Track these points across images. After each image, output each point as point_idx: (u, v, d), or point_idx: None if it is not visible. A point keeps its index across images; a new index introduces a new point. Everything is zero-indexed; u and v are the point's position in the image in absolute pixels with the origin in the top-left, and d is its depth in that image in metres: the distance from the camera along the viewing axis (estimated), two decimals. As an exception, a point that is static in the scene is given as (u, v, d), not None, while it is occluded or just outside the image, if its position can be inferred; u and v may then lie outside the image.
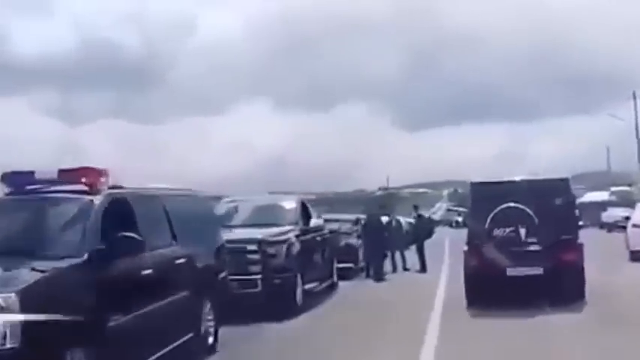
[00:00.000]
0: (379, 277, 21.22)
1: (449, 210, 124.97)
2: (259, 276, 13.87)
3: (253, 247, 14.00)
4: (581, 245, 14.46)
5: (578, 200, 59.83)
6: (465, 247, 14.62)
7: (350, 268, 22.02)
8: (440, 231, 64.79)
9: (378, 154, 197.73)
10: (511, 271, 13.99)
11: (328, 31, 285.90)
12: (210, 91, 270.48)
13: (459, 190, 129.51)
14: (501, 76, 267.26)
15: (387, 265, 23.33)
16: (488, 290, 13.97)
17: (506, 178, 14.89)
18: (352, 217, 25.73)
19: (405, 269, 24.07)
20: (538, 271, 13.91)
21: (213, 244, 11.51)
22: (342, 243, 22.40)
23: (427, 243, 25.05)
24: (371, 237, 22.09)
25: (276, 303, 13.98)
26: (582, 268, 14.26)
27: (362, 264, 22.96)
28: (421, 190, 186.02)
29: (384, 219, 25.78)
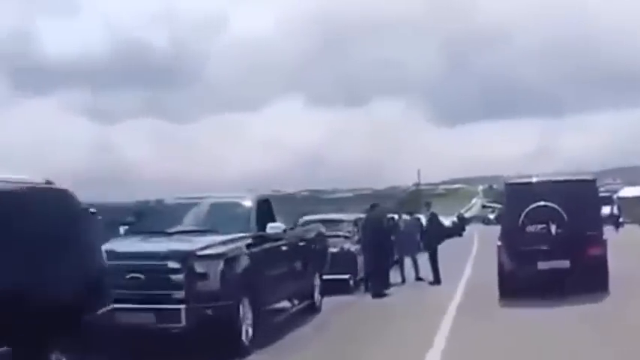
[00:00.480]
0: (377, 291, 17.18)
1: (484, 206, 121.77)
2: (183, 305, 9.95)
3: (176, 265, 10.07)
4: (605, 241, 15.25)
5: (616, 195, 55.82)
6: (499, 242, 15.44)
7: (345, 280, 18.07)
8: (471, 229, 61.09)
9: (413, 151, 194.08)
10: (542, 265, 14.75)
11: (362, 28, 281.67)
12: (243, 88, 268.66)
13: (494, 186, 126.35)
14: (535, 71, 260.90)
15: (397, 274, 19.76)
16: (520, 282, 14.83)
17: (538, 179, 15.86)
18: (351, 217, 21.49)
19: (418, 279, 20.18)
20: (565, 264, 14.70)
21: (80, 267, 7.66)
22: (337, 249, 18.36)
23: (456, 241, 21.36)
24: (370, 241, 18.02)
25: (211, 341, 10.12)
26: (606, 262, 14.96)
27: (362, 275, 18.92)
28: (456, 185, 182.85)
29: (395, 217, 22.35)
